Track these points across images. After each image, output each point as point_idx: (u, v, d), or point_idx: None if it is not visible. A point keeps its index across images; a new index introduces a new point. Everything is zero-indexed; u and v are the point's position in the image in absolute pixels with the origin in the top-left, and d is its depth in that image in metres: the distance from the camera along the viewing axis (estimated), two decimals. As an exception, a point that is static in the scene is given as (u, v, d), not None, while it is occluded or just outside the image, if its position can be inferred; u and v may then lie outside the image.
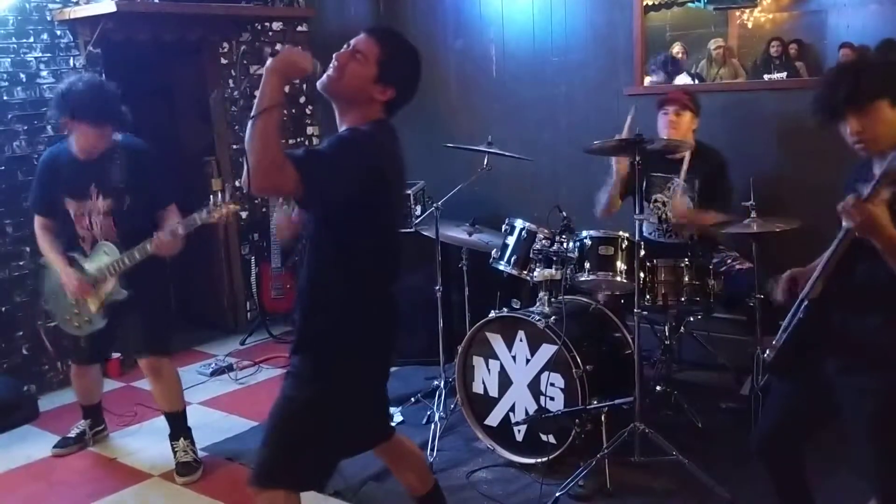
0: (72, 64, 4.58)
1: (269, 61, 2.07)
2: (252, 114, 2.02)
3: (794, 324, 2.25)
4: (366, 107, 2.25)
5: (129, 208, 3.43)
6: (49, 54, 4.50)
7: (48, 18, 4.48)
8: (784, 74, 4.05)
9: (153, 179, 3.49)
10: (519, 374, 3.42)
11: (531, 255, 3.51)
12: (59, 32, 4.53)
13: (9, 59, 4.34)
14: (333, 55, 2.25)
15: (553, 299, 3.47)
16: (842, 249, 2.15)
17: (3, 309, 4.40)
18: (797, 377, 2.35)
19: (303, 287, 2.34)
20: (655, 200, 3.84)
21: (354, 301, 2.28)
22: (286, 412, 2.29)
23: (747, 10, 4.12)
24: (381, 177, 2.19)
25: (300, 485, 2.32)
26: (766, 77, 4.08)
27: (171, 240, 3.31)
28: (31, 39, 4.43)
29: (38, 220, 3.55)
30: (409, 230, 4.53)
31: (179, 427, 3.61)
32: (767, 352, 2.33)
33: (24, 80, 4.41)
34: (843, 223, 2.10)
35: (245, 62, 5.37)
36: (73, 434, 3.85)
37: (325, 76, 2.22)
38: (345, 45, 2.27)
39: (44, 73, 4.47)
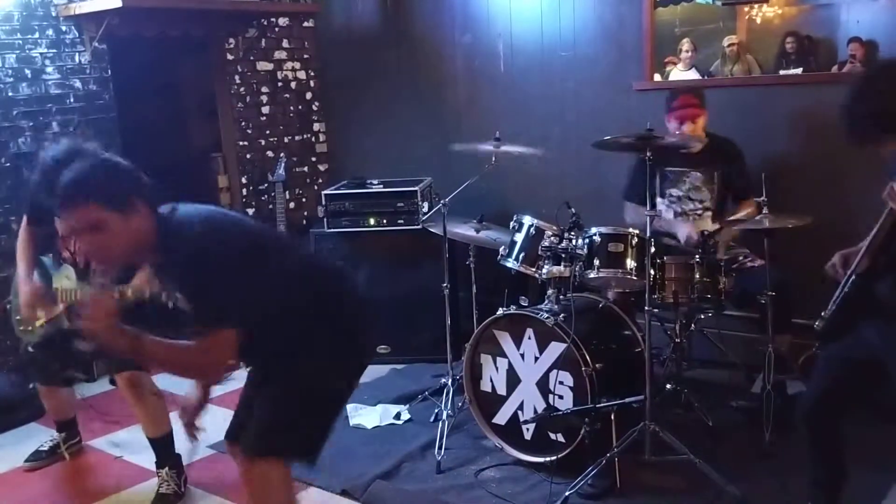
0: (77, 60, 4.56)
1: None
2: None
3: (842, 296, 2.40)
4: (140, 235, 2.11)
5: None
6: (54, 50, 4.48)
7: (53, 14, 4.46)
8: (800, 70, 4.01)
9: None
10: (527, 373, 3.39)
11: (539, 252, 3.48)
12: (64, 28, 4.51)
13: (14, 55, 4.32)
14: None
15: (562, 297, 3.44)
16: (886, 227, 2.29)
17: (8, 306, 4.38)
18: (843, 345, 2.48)
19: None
20: (671, 195, 3.81)
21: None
22: (281, 388, 2.38)
23: (756, 6, 4.07)
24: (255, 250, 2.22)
25: (294, 454, 2.40)
26: (780, 72, 4.03)
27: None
28: (37, 35, 4.41)
29: (25, 225, 3.37)
30: (416, 227, 4.53)
31: (166, 454, 3.31)
32: (817, 322, 2.45)
33: (30, 76, 4.38)
34: (891, 205, 2.24)
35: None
36: (45, 448, 3.68)
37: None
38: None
39: (49, 70, 4.44)
